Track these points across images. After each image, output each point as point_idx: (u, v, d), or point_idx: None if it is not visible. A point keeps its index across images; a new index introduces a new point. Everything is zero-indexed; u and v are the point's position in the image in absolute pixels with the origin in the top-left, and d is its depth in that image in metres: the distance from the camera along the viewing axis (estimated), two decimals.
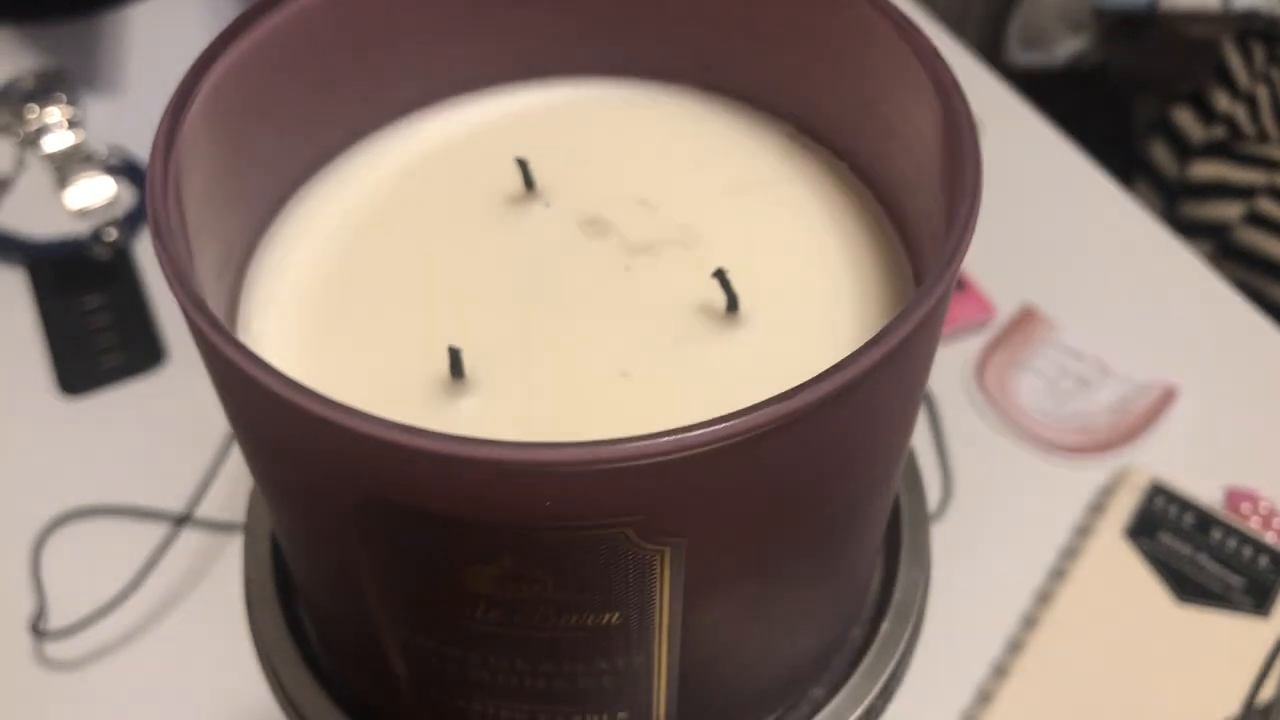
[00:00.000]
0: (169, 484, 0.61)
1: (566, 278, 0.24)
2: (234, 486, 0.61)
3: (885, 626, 0.26)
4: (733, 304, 0.23)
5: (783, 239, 0.25)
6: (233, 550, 0.61)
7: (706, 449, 0.17)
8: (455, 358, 0.21)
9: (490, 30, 0.25)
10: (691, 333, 0.23)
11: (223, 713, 0.55)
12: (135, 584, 0.57)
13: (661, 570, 0.19)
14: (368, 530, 0.18)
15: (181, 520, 0.59)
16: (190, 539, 0.61)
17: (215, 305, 0.22)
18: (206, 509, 0.61)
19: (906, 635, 0.26)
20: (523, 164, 0.25)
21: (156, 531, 0.59)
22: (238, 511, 0.64)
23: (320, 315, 0.23)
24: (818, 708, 0.25)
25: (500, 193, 0.25)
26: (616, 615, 0.20)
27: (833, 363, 0.17)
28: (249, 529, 0.28)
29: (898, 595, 0.27)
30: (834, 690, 0.26)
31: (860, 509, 0.22)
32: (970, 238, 0.19)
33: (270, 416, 0.18)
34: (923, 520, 0.28)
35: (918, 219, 0.23)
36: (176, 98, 0.20)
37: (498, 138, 0.26)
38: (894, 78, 0.22)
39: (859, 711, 0.25)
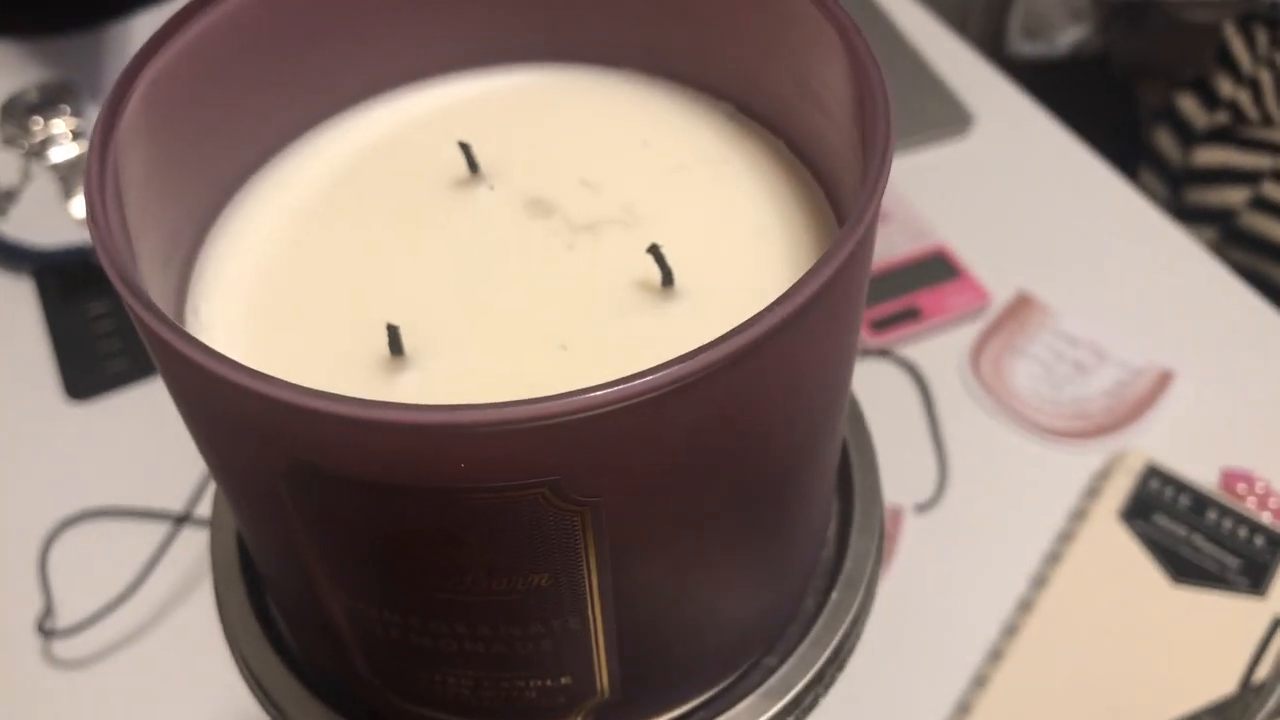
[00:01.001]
0: (173, 485, 0.62)
1: (509, 257, 0.24)
2: None
3: (834, 596, 0.27)
4: (668, 279, 0.23)
5: (722, 216, 0.25)
6: None
7: (611, 408, 0.17)
8: (394, 335, 0.22)
9: (433, 18, 0.26)
10: (629, 306, 0.23)
11: (228, 707, 0.56)
12: (138, 582, 0.58)
13: (583, 531, 0.19)
14: (297, 497, 0.19)
15: (181, 519, 0.60)
16: (194, 538, 0.61)
17: (161, 293, 0.23)
18: (203, 508, 0.62)
19: (856, 603, 0.27)
20: (465, 147, 0.25)
21: (161, 531, 0.60)
22: None
23: (267, 301, 0.24)
24: (769, 676, 0.26)
25: (445, 178, 0.26)
26: (545, 577, 0.20)
27: None
28: (214, 520, 0.29)
29: (848, 565, 0.27)
30: (786, 659, 0.26)
31: (791, 469, 0.22)
32: (885, 178, 0.19)
33: (199, 388, 0.18)
34: (875, 491, 0.28)
35: (849, 192, 0.23)
36: (114, 92, 0.21)
37: (442, 125, 0.27)
38: (812, 47, 0.22)
39: (808, 677, 0.26)
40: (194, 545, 0.61)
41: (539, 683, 0.23)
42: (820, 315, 0.19)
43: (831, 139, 0.24)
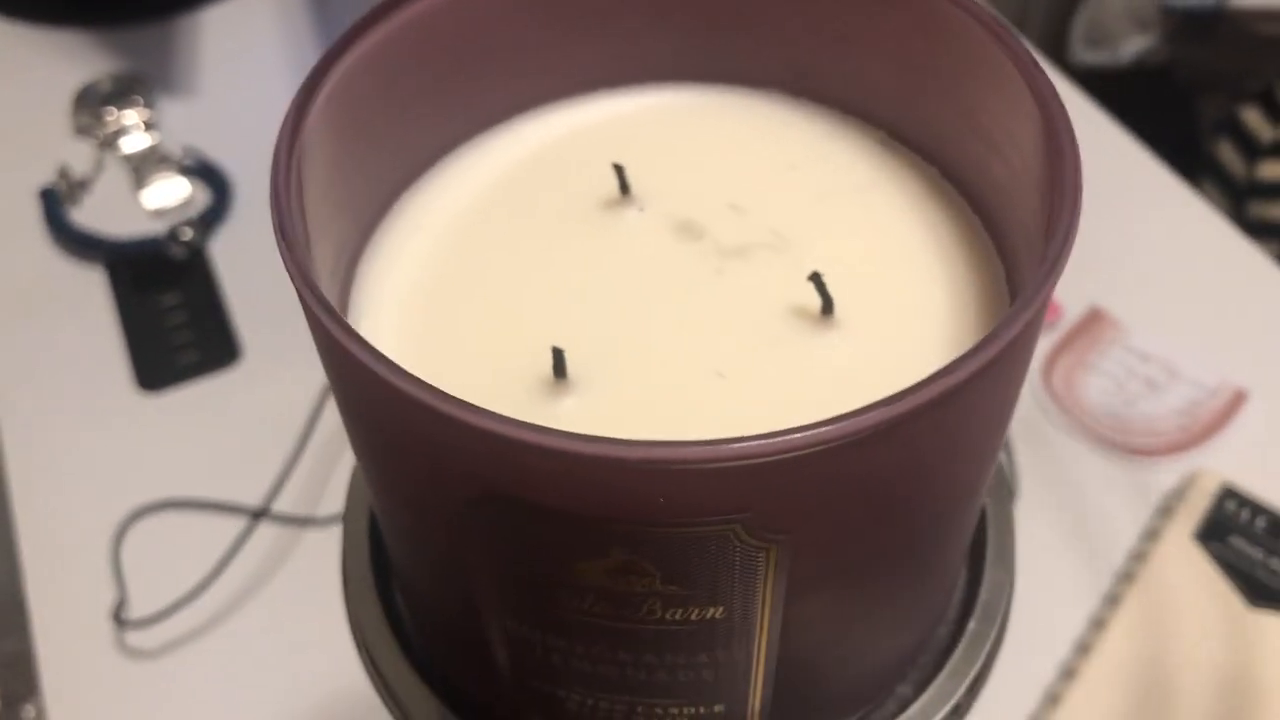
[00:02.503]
0: (243, 479, 0.63)
1: (661, 280, 0.24)
2: (307, 482, 0.63)
3: (972, 626, 0.27)
4: (828, 307, 0.23)
5: (874, 244, 0.25)
6: (306, 543, 0.62)
7: (816, 449, 0.17)
8: (559, 358, 0.22)
9: (585, 36, 0.26)
10: (784, 333, 0.23)
11: (298, 700, 0.56)
12: (214, 575, 0.58)
13: (766, 566, 0.19)
14: (483, 524, 0.19)
15: (259, 514, 0.60)
16: (264, 532, 0.62)
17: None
18: (279, 504, 0.62)
19: (993, 635, 0.27)
20: (619, 169, 0.25)
21: (230, 524, 0.61)
22: (310, 506, 0.65)
23: (425, 315, 0.24)
24: (905, 704, 0.26)
25: (596, 196, 0.26)
26: (721, 610, 0.20)
27: (927, 367, 0.18)
28: (347, 518, 0.29)
29: (984, 595, 0.27)
30: (921, 688, 0.26)
31: (954, 511, 0.22)
32: (1070, 249, 0.19)
33: (394, 414, 0.19)
34: (1008, 523, 0.28)
35: (1012, 225, 0.23)
36: (298, 100, 0.21)
37: (594, 142, 0.27)
38: (990, 87, 0.22)
39: (946, 709, 0.26)
40: (267, 539, 0.61)
41: (692, 710, 0.23)
42: (1012, 359, 0.19)
43: (995, 171, 0.24)
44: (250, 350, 0.70)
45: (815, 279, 0.23)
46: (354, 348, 0.18)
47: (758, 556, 0.19)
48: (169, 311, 0.70)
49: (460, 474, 0.19)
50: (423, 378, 0.18)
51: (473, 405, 0.17)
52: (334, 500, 0.63)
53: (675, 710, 0.23)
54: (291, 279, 0.19)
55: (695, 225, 0.25)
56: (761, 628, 0.21)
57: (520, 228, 0.25)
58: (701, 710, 0.23)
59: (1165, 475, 0.63)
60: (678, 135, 0.27)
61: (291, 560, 0.62)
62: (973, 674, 0.26)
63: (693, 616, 0.20)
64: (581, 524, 0.18)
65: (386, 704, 0.28)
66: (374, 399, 0.19)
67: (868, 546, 0.20)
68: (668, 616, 0.20)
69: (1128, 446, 0.64)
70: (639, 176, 0.26)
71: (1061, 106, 0.21)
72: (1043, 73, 0.21)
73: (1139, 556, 0.59)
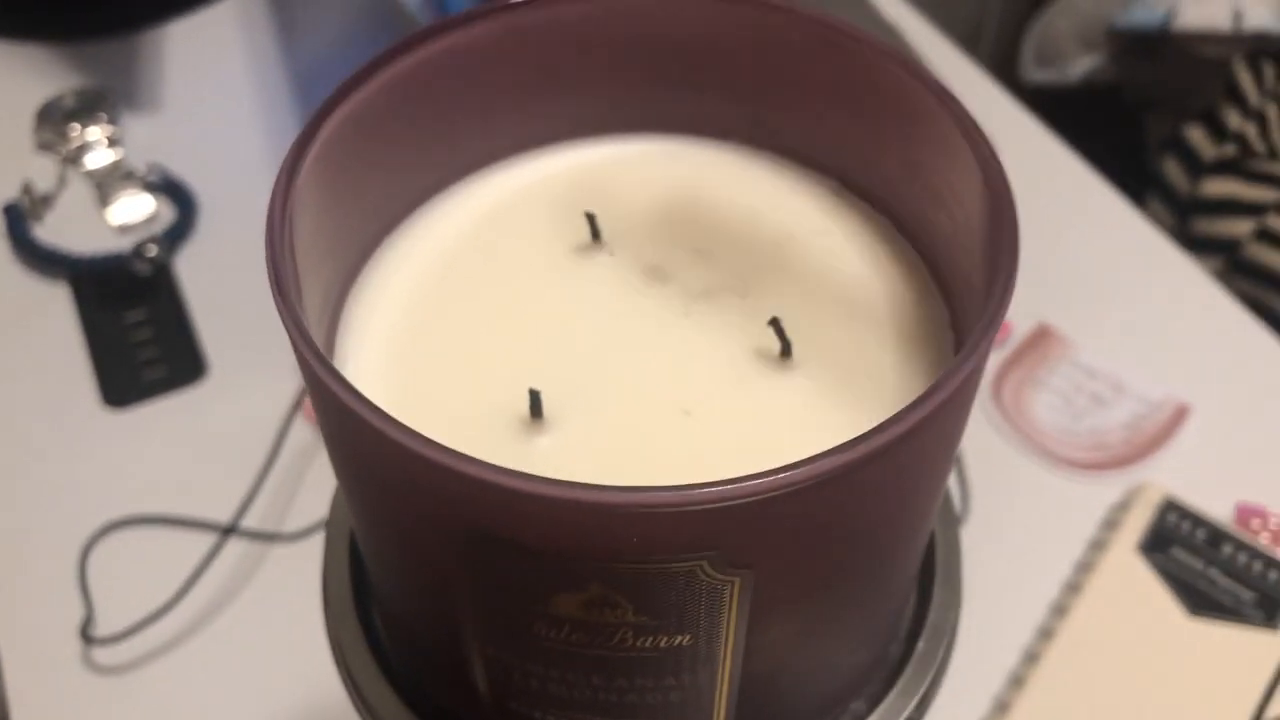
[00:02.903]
0: (211, 495, 0.63)
1: (631, 322, 0.26)
2: (274, 497, 0.64)
3: (921, 645, 0.28)
4: (786, 350, 0.25)
5: (830, 287, 0.27)
6: (274, 559, 0.63)
7: (779, 493, 0.19)
8: (535, 399, 0.23)
9: (560, 91, 0.28)
10: (747, 374, 0.25)
11: (267, 716, 0.57)
12: (183, 592, 0.59)
13: (731, 598, 0.21)
14: (466, 560, 0.20)
15: (228, 530, 0.61)
16: (232, 548, 0.62)
17: None
18: (247, 520, 0.63)
19: (940, 653, 0.28)
20: (590, 217, 0.27)
21: (197, 539, 0.61)
22: (277, 522, 0.66)
23: (407, 358, 0.25)
24: None
25: (568, 242, 0.27)
26: (688, 637, 0.22)
27: (878, 407, 0.19)
28: (329, 538, 0.30)
29: (932, 616, 0.29)
30: (874, 704, 0.28)
31: (905, 539, 0.24)
32: (1009, 302, 0.21)
33: (382, 457, 0.20)
34: (955, 546, 0.30)
35: (956, 274, 0.25)
36: (290, 159, 0.22)
37: (565, 189, 0.28)
38: (936, 147, 0.24)
39: None
40: (234, 556, 0.62)
41: None
42: (958, 402, 0.21)
43: (941, 223, 0.26)
44: (216, 366, 0.70)
45: (774, 324, 0.25)
46: (346, 397, 0.19)
47: (723, 590, 0.20)
48: (134, 328, 0.71)
49: (445, 515, 0.20)
50: (407, 418, 0.19)
51: (458, 452, 0.18)
52: (301, 516, 0.64)
53: None
54: (288, 332, 0.20)
55: (663, 270, 0.27)
56: (725, 653, 0.22)
57: (496, 272, 0.27)
58: None
59: (1111, 489, 0.65)
60: (645, 183, 0.29)
61: (259, 576, 0.62)
62: (921, 691, 0.28)
63: (661, 644, 0.22)
64: (560, 561, 0.20)
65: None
66: (363, 442, 0.20)
67: (824, 576, 0.22)
68: (639, 644, 0.22)
69: (1076, 461, 0.66)
70: (608, 223, 0.27)
71: (1001, 170, 0.22)
72: (984, 137, 0.23)
73: (1085, 568, 0.61)
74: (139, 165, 0.77)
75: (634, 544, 0.19)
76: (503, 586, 0.21)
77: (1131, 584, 0.60)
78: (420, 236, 0.27)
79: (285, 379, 0.68)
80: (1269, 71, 1.04)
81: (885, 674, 0.28)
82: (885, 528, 0.22)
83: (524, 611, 0.21)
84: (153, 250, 0.74)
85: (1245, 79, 1.04)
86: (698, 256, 0.27)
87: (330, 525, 0.30)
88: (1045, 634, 0.59)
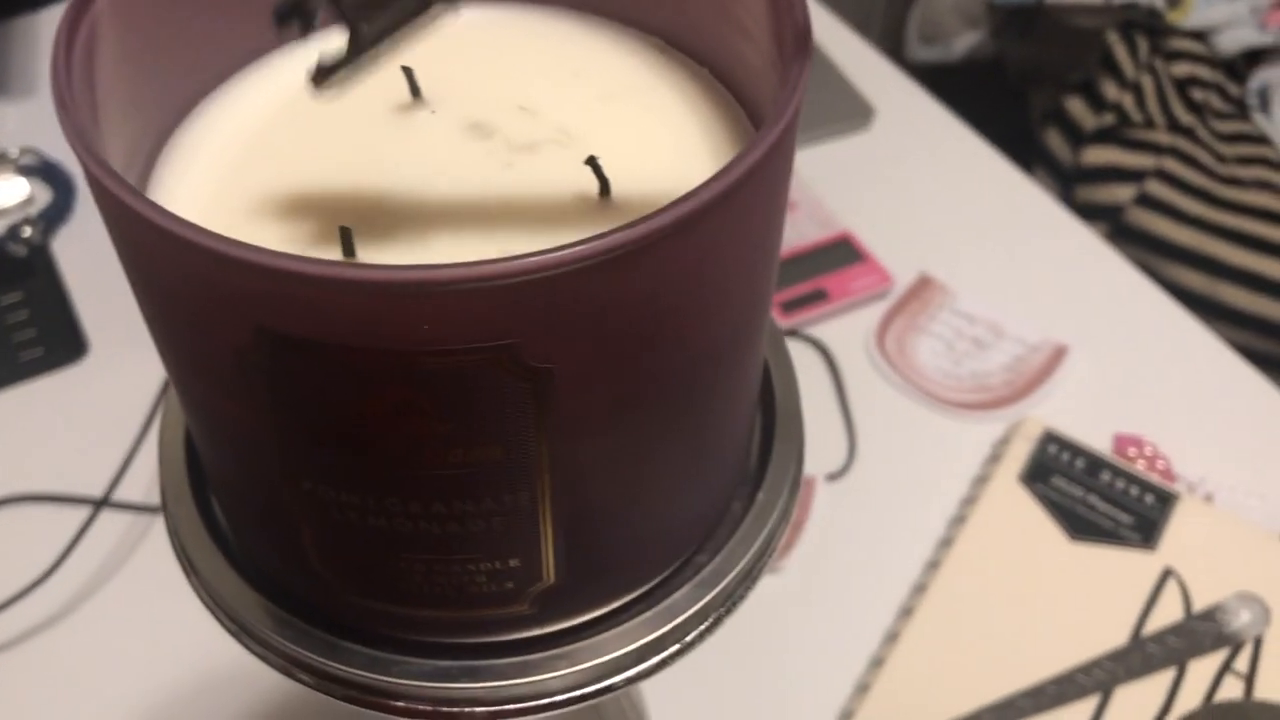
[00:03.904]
0: (92, 471, 0.62)
1: (453, 174, 0.26)
2: (155, 472, 0.62)
3: (761, 496, 0.28)
4: (605, 189, 0.25)
5: (652, 138, 0.27)
6: (155, 530, 0.62)
7: (566, 269, 0.19)
8: (346, 236, 0.23)
9: None
10: (569, 216, 0.25)
11: (148, 685, 0.56)
12: (56, 566, 0.58)
13: (535, 399, 0.21)
14: (261, 367, 0.20)
15: (100, 503, 0.60)
16: (115, 522, 0.61)
17: None
18: (128, 493, 0.62)
19: (781, 503, 0.28)
20: (408, 71, 0.27)
21: (76, 517, 0.60)
22: (156, 495, 0.65)
23: (219, 215, 0.25)
24: (702, 571, 0.28)
25: (389, 102, 0.27)
26: (499, 449, 0.21)
27: None
28: (163, 436, 0.30)
29: (772, 468, 0.29)
30: (716, 555, 0.28)
31: (722, 360, 0.24)
32: (803, 83, 0.21)
33: (163, 257, 0.20)
34: (794, 401, 0.30)
35: (768, 108, 0.25)
36: None
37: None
38: None
39: (737, 570, 0.27)
40: (118, 529, 0.61)
41: (489, 565, 0.24)
42: (748, 197, 0.21)
43: (753, 62, 0.26)
44: (97, 345, 0.69)
45: (592, 162, 0.25)
46: (126, 196, 0.19)
47: (524, 388, 0.20)
48: (10, 309, 0.69)
49: (231, 314, 0.20)
50: None
51: (239, 241, 0.18)
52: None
53: (472, 567, 0.24)
54: (69, 142, 0.20)
55: (486, 125, 0.27)
56: (541, 469, 0.22)
57: (315, 130, 0.27)
58: (497, 565, 0.24)
59: (995, 427, 0.66)
60: (467, 47, 0.29)
61: (141, 548, 0.61)
62: (761, 539, 0.28)
63: (473, 459, 0.22)
64: (353, 357, 0.20)
65: (213, 612, 0.29)
66: (148, 245, 0.20)
67: (635, 384, 0.22)
68: (450, 459, 0.21)
69: (959, 402, 0.67)
70: (432, 84, 0.27)
71: None
72: None
73: (969, 501, 0.62)
74: (12, 149, 0.75)
75: (425, 331, 0.19)
76: (301, 398, 0.21)
77: (1014, 513, 0.61)
78: (236, 100, 0.27)
79: None
80: (1142, 44, 1.07)
81: (729, 530, 0.29)
82: (694, 335, 0.22)
83: (327, 430, 0.21)
84: (28, 232, 0.72)
85: (1120, 51, 1.07)
86: (521, 113, 0.27)
87: (166, 416, 0.30)
88: (932, 566, 0.60)
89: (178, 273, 0.20)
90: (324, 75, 0.21)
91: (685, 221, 0.19)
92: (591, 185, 0.25)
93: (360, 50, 0.21)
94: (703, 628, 0.28)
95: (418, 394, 0.20)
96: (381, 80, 0.28)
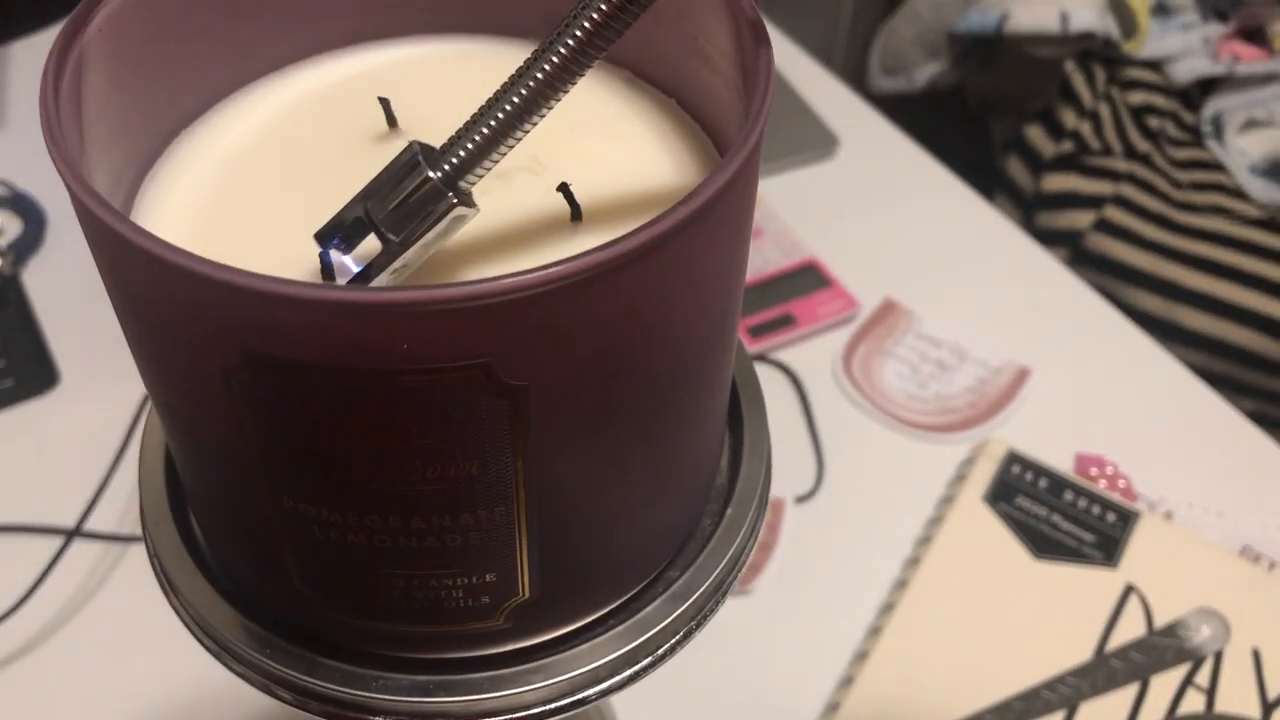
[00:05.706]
0: (63, 501, 0.62)
1: None
2: (130, 498, 0.63)
3: (730, 512, 0.29)
4: (576, 213, 0.26)
5: (621, 165, 0.28)
6: (127, 560, 0.62)
7: (540, 290, 0.20)
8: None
9: None
10: (541, 240, 0.26)
11: (119, 714, 0.56)
12: (27, 597, 0.58)
13: (511, 417, 0.21)
14: (245, 389, 0.21)
15: (72, 533, 0.60)
16: (87, 551, 0.61)
17: None
18: (100, 523, 0.62)
19: (749, 519, 0.29)
20: (385, 102, 0.28)
21: (46, 547, 0.60)
22: (134, 524, 0.65)
23: (204, 235, 0.26)
24: (673, 585, 0.28)
25: (367, 133, 0.28)
26: (475, 465, 0.22)
27: None
28: (143, 458, 0.30)
29: (740, 485, 0.30)
30: (687, 570, 0.29)
31: (692, 375, 0.25)
32: (765, 113, 0.22)
33: (154, 281, 0.20)
34: (761, 422, 0.31)
35: (733, 137, 0.26)
36: (76, 13, 0.23)
37: (363, 86, 0.29)
38: (702, 11, 0.25)
39: (707, 583, 0.28)
40: (90, 558, 0.61)
41: (465, 580, 0.25)
42: (715, 220, 0.22)
43: (719, 92, 0.27)
44: (68, 376, 0.69)
45: (564, 189, 0.26)
46: (115, 223, 0.19)
47: (501, 404, 0.21)
48: None
49: (218, 337, 0.20)
50: None
51: (223, 264, 0.19)
52: None
53: (450, 581, 0.25)
54: (58, 169, 0.21)
55: None
56: (516, 484, 0.23)
57: (294, 160, 0.27)
58: (474, 580, 0.25)
59: (959, 447, 0.67)
60: (442, 79, 0.30)
61: (113, 576, 0.61)
62: (730, 553, 0.29)
63: (450, 474, 0.22)
64: (334, 377, 0.20)
65: (193, 631, 0.29)
66: (135, 269, 0.21)
67: (608, 399, 0.23)
68: (428, 475, 0.22)
69: (924, 424, 0.68)
70: (407, 114, 0.28)
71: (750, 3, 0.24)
72: None
73: (935, 521, 0.63)
74: None
75: (404, 351, 0.20)
76: (283, 418, 0.21)
77: (979, 532, 0.62)
78: (218, 128, 0.28)
79: (137, 382, 0.67)
80: (1099, 73, 1.10)
81: (700, 545, 0.29)
82: (664, 351, 0.23)
83: (309, 447, 0.22)
84: None
85: (1078, 80, 1.09)
86: None
87: (146, 437, 0.31)
88: (899, 585, 0.61)
89: (166, 297, 0.20)
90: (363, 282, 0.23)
91: (655, 243, 0.20)
92: (564, 211, 0.26)
93: (391, 259, 0.23)
94: (674, 641, 0.28)
95: (397, 411, 0.21)
96: (359, 111, 0.29)
